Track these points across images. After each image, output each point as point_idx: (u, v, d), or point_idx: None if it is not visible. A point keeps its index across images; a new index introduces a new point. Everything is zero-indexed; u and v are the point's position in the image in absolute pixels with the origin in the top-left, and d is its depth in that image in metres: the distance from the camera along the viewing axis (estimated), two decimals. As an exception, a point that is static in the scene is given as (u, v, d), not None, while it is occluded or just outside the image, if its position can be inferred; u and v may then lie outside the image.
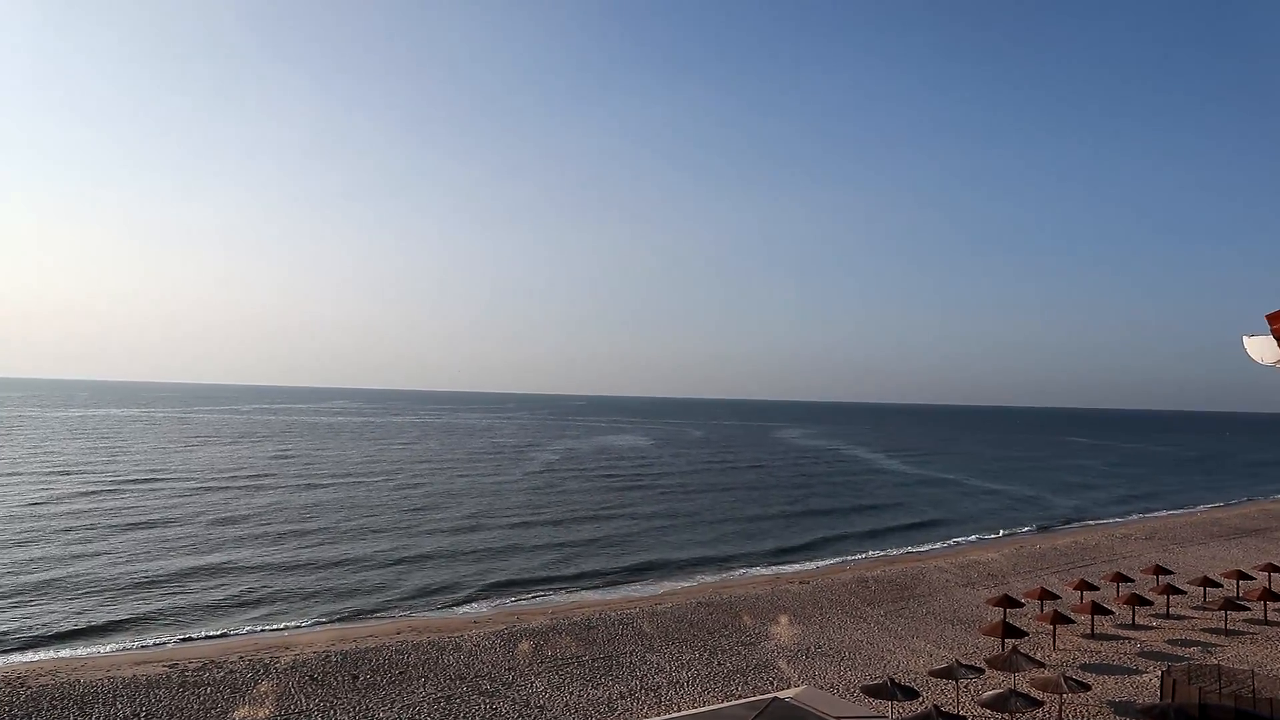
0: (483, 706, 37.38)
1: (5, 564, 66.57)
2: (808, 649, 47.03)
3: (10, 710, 35.51)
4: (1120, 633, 50.65)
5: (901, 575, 67.31)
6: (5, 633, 50.07)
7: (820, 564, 76.42)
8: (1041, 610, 52.34)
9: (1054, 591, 56.55)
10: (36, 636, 49.64)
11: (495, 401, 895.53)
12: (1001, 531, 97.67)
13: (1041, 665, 38.36)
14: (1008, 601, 51.69)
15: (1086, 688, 35.63)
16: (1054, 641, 47.91)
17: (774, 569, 73.75)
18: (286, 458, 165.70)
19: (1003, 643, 45.57)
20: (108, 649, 47.81)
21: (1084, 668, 43.57)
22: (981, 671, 38.78)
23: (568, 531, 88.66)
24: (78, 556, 70.03)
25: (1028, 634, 46.94)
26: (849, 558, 79.64)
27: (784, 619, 53.08)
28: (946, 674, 37.07)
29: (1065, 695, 35.96)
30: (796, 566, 74.97)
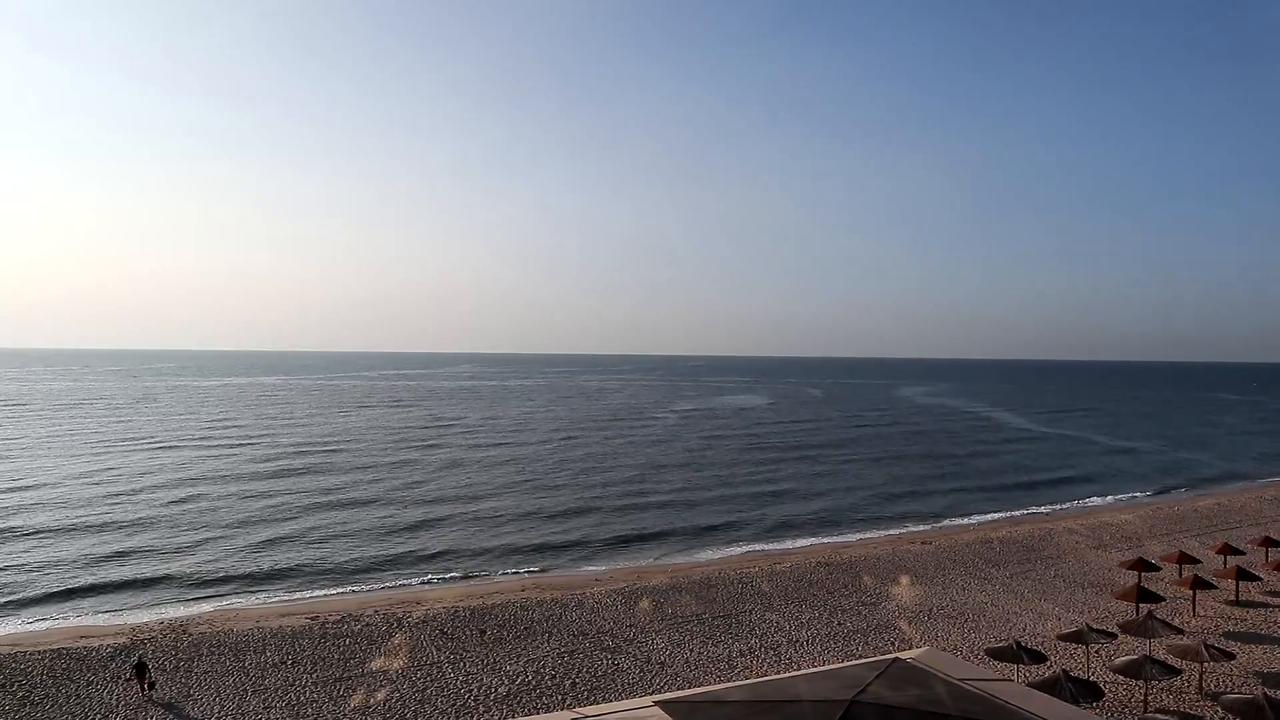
0: (605, 662, 38.35)
1: (184, 525, 71.62)
2: (930, 610, 46.35)
3: (175, 654, 38.49)
4: (1270, 600, 47.99)
5: (1028, 536, 65.37)
6: (171, 583, 54.09)
7: (943, 525, 74.84)
8: (1180, 575, 50.05)
9: (1194, 555, 53.95)
10: (196, 587, 53.43)
11: (613, 364, 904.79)
12: (1136, 492, 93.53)
13: (1180, 632, 36.76)
14: (1143, 565, 49.62)
15: (1231, 657, 33.98)
16: (1194, 608, 45.79)
17: (895, 530, 72.63)
18: (431, 422, 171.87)
19: (1137, 608, 43.86)
20: (257, 601, 51.03)
21: (1228, 636, 41.57)
22: (1114, 637, 37.47)
23: (689, 492, 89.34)
24: (241, 517, 74.73)
25: (1165, 599, 44.93)
26: (973, 518, 77.73)
27: (905, 580, 52.40)
28: (1076, 638, 35.98)
29: (1207, 664, 34.41)
30: (919, 527, 73.65)
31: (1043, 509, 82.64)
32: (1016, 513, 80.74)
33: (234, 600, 51.11)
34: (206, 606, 49.57)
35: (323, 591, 53.30)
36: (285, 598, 51.82)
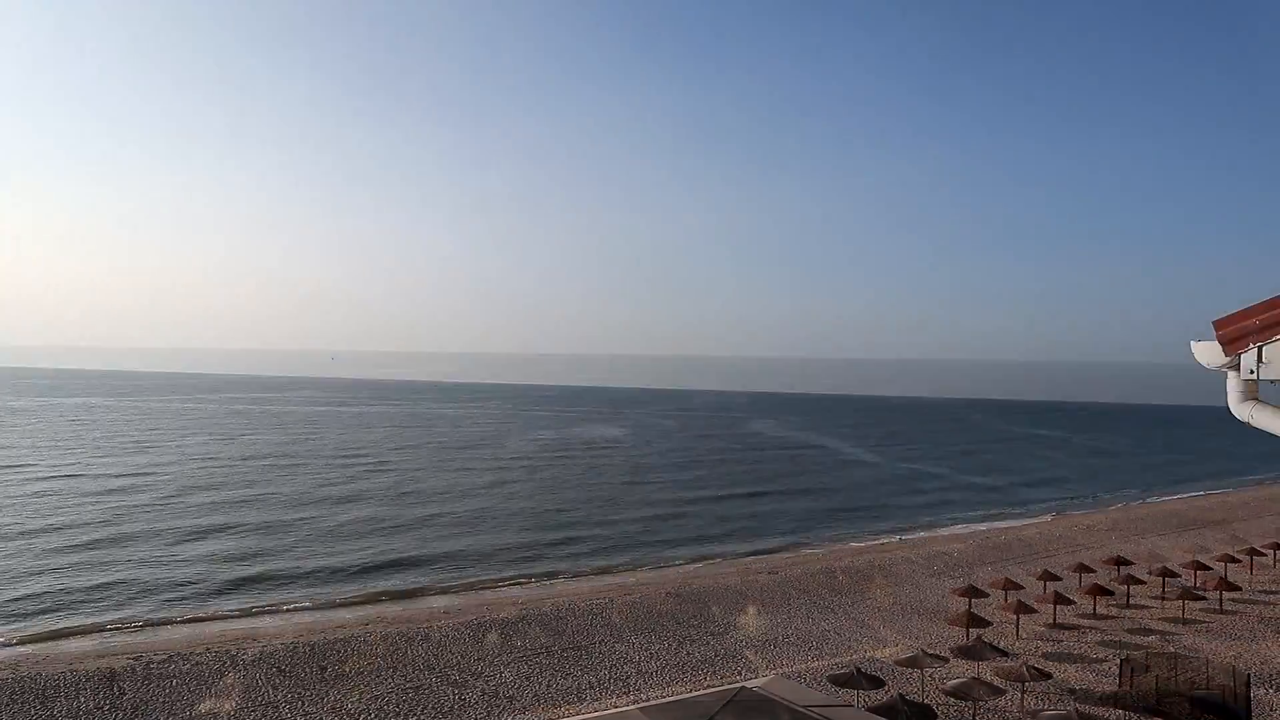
0: (451, 696, 37.37)
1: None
2: (775, 639, 47.43)
3: (-30, 703, 35.09)
4: (1082, 622, 51.53)
5: (869, 565, 67.94)
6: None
7: (788, 554, 76.93)
8: (1005, 600, 53.07)
9: (1018, 581, 57.36)
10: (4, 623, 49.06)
11: (464, 391, 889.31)
12: (967, 522, 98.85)
13: (1005, 654, 39.01)
14: (973, 591, 52.39)
15: (1048, 676, 36.29)
16: (1017, 631, 48.65)
17: (743, 560, 74.15)
18: (275, 446, 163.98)
19: (968, 632, 46.21)
20: (70, 640, 47.23)
21: (1046, 656, 44.29)
22: (946, 660, 39.34)
23: (537, 522, 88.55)
24: (49, 544, 69.07)
25: (992, 623, 47.65)
26: (817, 548, 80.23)
27: (752, 609, 53.46)
28: (912, 663, 37.58)
29: (1027, 683, 36.56)
30: (765, 557, 75.42)
31: (883, 538, 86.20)
32: (858, 542, 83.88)
33: (41, 640, 47.10)
34: (7, 649, 45.49)
35: (147, 628, 49.90)
36: (104, 635, 48.20)
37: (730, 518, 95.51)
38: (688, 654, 44.41)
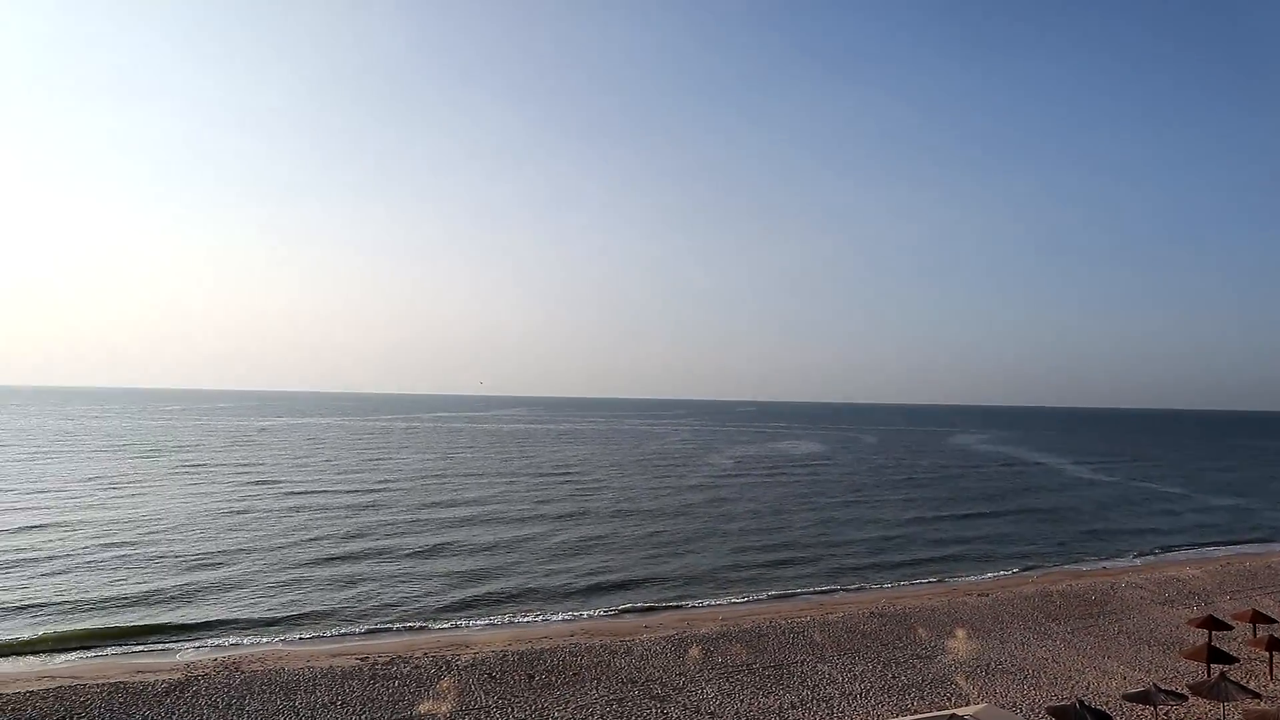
0: (653, 711, 37.80)
1: (239, 563, 72.68)
2: (987, 665, 45.04)
3: (228, 692, 38.85)
4: (1348, 661, 45.85)
5: (1090, 590, 63.40)
6: (226, 621, 54.75)
7: (1000, 575, 72.98)
8: (1254, 634, 48.07)
9: (1269, 614, 51.80)
10: (251, 625, 54.01)
11: (661, 407, 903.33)
12: (1204, 545, 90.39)
13: (1257, 696, 35.21)
14: (1213, 623, 47.72)
15: (1308, 721, 32.44)
16: (1271, 670, 43.86)
17: (951, 580, 70.96)
18: (487, 465, 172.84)
19: (1208, 668, 42.13)
20: (309, 641, 51.36)
21: (1305, 699, 39.71)
22: (1184, 698, 35.99)
23: (738, 538, 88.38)
24: (297, 557, 75.64)
25: (1238, 660, 43.17)
26: (1032, 570, 75.67)
27: (961, 632, 51.06)
28: (1143, 699, 34.64)
29: (1283, 728, 32.85)
30: (975, 578, 71.89)
31: (1105, 562, 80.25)
32: (1077, 565, 78.47)
33: (287, 639, 51.53)
34: (260, 645, 50.04)
35: (374, 633, 53.54)
36: (337, 638, 52.14)
37: (941, 541, 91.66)
38: (893, 677, 42.92)
